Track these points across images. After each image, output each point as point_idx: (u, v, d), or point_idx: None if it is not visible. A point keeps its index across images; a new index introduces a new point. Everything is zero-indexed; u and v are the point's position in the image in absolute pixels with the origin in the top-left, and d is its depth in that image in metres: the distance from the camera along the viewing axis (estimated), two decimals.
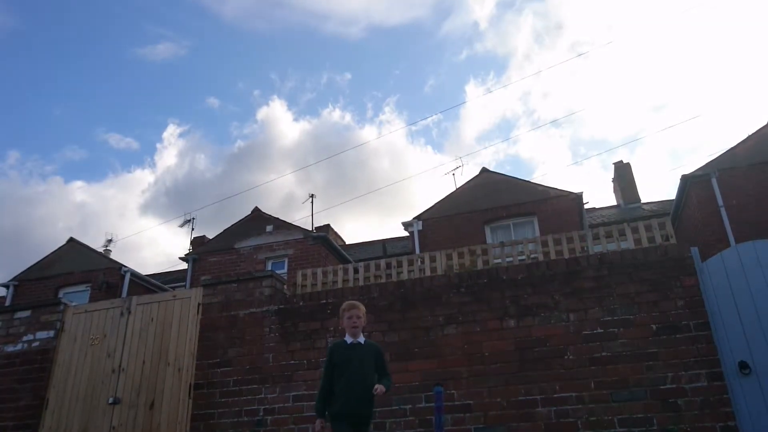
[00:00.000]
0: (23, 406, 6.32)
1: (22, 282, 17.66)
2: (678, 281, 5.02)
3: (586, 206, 15.00)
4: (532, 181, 15.58)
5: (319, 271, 7.01)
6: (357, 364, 3.82)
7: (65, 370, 6.46)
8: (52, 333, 6.67)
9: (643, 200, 19.54)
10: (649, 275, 5.10)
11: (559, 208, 14.45)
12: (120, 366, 6.27)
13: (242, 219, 17.68)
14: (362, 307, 4.04)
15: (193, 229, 20.00)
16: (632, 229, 6.21)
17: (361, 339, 3.98)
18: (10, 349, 6.74)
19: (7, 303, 16.56)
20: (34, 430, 6.17)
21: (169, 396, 5.96)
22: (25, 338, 6.75)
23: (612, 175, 21.00)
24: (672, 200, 14.99)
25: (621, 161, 20.80)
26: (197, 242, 19.37)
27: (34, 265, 17.99)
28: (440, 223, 15.05)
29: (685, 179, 12.93)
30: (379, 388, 3.67)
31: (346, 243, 22.16)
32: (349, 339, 3.95)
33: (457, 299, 5.54)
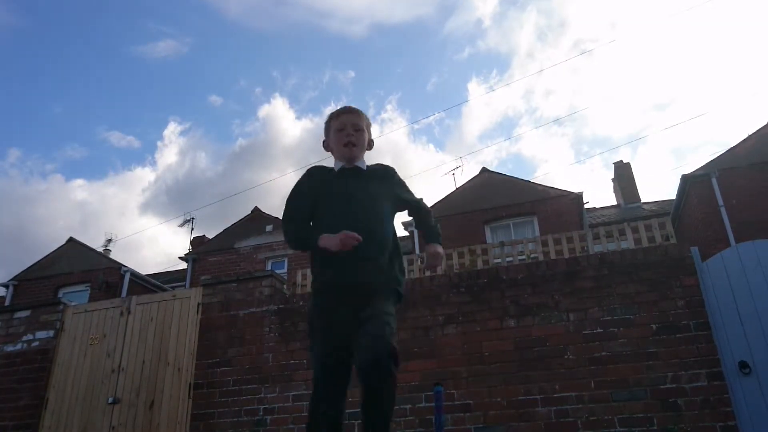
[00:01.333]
0: (23, 406, 6.32)
1: (22, 282, 17.67)
2: (678, 281, 5.01)
3: (586, 206, 15.01)
4: (532, 181, 15.59)
5: None
6: (359, 201, 2.26)
7: (65, 369, 6.45)
8: (51, 333, 6.67)
9: (644, 200, 19.55)
10: (649, 275, 5.10)
11: (559, 208, 14.45)
12: (120, 366, 6.26)
13: (242, 219, 17.69)
14: (364, 116, 2.45)
15: (192, 229, 20.02)
16: (632, 228, 6.21)
17: (362, 163, 2.42)
18: (9, 348, 6.73)
19: (7, 303, 16.58)
20: (33, 430, 6.17)
21: (168, 396, 5.96)
22: (24, 338, 6.75)
23: (613, 175, 21.00)
24: (672, 200, 14.99)
25: (621, 161, 20.82)
26: (197, 242, 19.38)
27: (34, 264, 18.00)
28: (440, 223, 15.02)
29: (685, 179, 12.93)
30: (432, 252, 2.30)
31: None
32: (339, 164, 2.39)
33: (456, 299, 5.54)
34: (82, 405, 6.20)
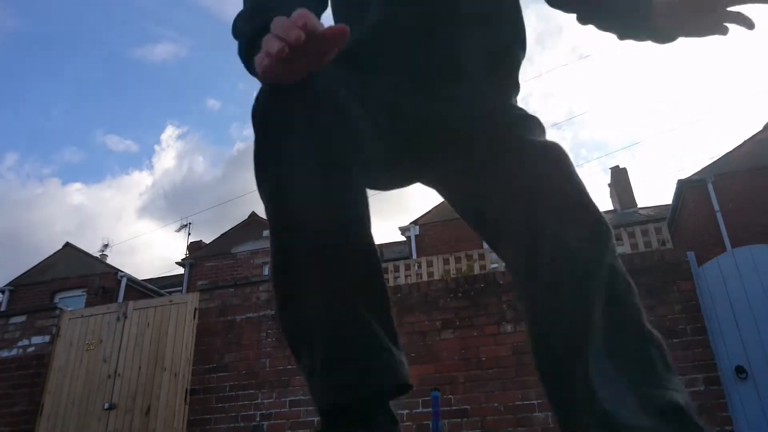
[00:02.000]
0: (18, 412, 6.29)
1: (18, 287, 17.62)
2: (675, 286, 5.02)
3: None
4: None
5: None
6: None
7: (61, 375, 6.43)
8: (47, 338, 6.64)
9: (640, 204, 19.60)
10: (646, 280, 5.11)
11: None
12: (116, 371, 6.24)
13: (238, 224, 17.70)
14: None
15: (189, 234, 19.98)
16: (629, 233, 6.23)
17: None
18: (5, 354, 6.71)
19: (3, 308, 16.53)
20: None
21: (165, 401, 5.93)
22: (20, 343, 6.72)
23: (609, 180, 21.07)
24: (669, 205, 15.05)
25: (617, 166, 20.88)
26: (194, 247, 19.35)
27: (30, 270, 17.96)
28: (437, 228, 15.07)
29: (681, 184, 12.98)
30: None
31: None
32: None
33: (454, 304, 5.54)
34: (78, 410, 6.18)
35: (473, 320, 5.41)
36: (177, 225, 20.12)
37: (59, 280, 17.43)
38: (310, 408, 5.41)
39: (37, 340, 6.68)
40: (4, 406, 6.37)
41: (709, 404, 4.54)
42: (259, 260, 16.38)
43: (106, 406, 6.06)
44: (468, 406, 5.06)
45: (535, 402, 4.91)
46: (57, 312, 6.84)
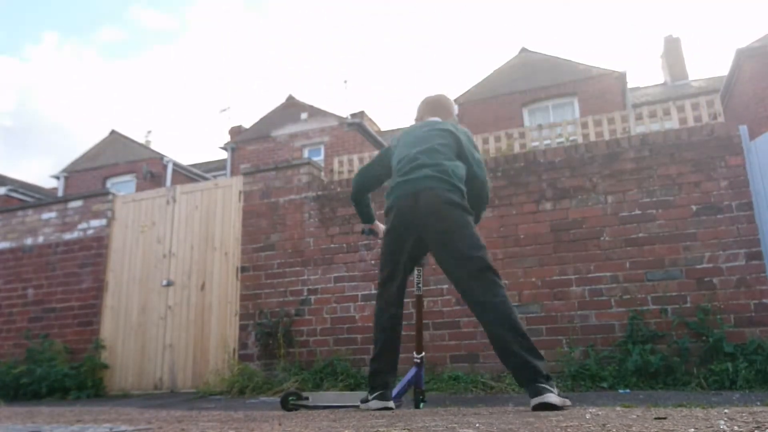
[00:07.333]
0: (86, 288, 6.82)
1: (71, 173, 18.34)
2: (723, 161, 4.87)
3: (630, 85, 14.37)
4: (573, 59, 14.89)
5: (356, 157, 7.04)
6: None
7: (120, 255, 6.85)
8: (104, 221, 7.01)
9: (693, 77, 18.57)
10: (693, 155, 4.96)
11: (601, 88, 13.91)
12: (170, 251, 6.61)
13: (276, 107, 17.63)
14: None
15: (229, 118, 20.11)
16: (678, 108, 5.97)
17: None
18: (67, 236, 7.15)
19: (60, 194, 17.35)
20: (98, 309, 6.69)
21: (218, 278, 6.31)
22: (80, 226, 7.12)
23: (662, 51, 19.85)
24: (723, 76, 14.20)
25: (671, 35, 19.57)
26: (234, 131, 19.55)
27: (81, 156, 18.57)
28: (476, 106, 14.72)
29: (739, 53, 12.15)
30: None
31: (381, 129, 22.02)
32: None
33: (492, 184, 5.54)
34: (139, 287, 6.64)
35: (512, 199, 5.42)
36: (218, 109, 20.20)
37: (109, 166, 18.03)
38: (353, 284, 5.69)
39: (95, 223, 7.07)
40: (73, 283, 6.90)
41: (749, 278, 4.56)
42: (298, 143, 16.48)
43: (165, 282, 6.49)
44: (506, 281, 5.21)
45: (572, 277, 5.02)
46: (110, 197, 7.16)
